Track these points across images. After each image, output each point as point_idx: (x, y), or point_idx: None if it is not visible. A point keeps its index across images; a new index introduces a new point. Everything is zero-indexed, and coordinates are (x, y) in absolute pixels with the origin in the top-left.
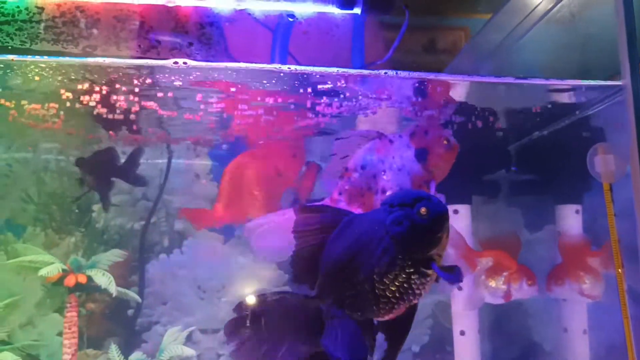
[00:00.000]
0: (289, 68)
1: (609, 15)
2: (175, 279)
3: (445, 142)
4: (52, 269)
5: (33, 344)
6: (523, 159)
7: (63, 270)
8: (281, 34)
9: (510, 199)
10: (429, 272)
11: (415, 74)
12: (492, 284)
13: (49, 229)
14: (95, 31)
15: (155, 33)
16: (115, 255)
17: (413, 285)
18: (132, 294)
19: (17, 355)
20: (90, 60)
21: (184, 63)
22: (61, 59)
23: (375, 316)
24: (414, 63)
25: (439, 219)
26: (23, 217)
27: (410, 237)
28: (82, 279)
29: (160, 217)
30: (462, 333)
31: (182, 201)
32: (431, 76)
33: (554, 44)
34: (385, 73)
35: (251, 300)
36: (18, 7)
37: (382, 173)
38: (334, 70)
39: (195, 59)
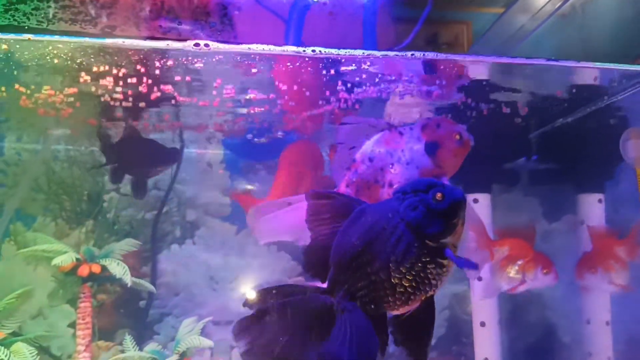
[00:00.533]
0: (312, 51)
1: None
2: (188, 269)
3: (457, 137)
4: (66, 258)
5: (44, 335)
6: (545, 148)
7: (77, 259)
8: (295, 17)
9: (530, 188)
10: (445, 262)
11: (452, 56)
12: (509, 272)
13: (59, 219)
14: (113, 11)
15: (166, 19)
16: (129, 244)
17: (430, 275)
18: (147, 284)
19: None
20: (108, 41)
21: (206, 45)
22: (78, 40)
23: (390, 308)
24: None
25: (456, 204)
26: (33, 206)
27: (426, 222)
28: (96, 268)
29: (172, 207)
30: (483, 324)
31: (193, 191)
32: (469, 58)
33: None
34: (412, 55)
35: (259, 295)
36: None
37: (390, 166)
38: (359, 52)
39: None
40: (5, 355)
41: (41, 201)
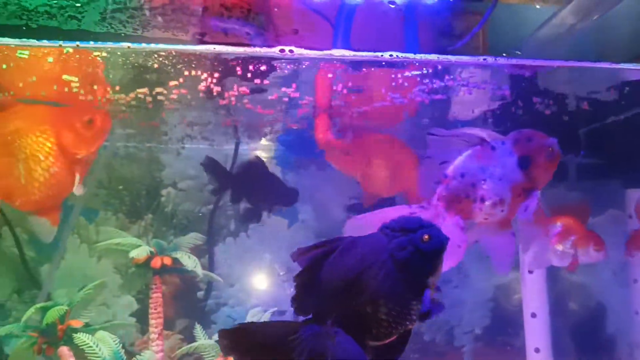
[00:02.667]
0: (390, 55)
1: None
2: (242, 261)
3: (550, 150)
4: (141, 251)
5: (113, 324)
6: (593, 143)
7: (150, 252)
8: (344, 19)
9: (577, 183)
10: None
11: (521, 60)
12: (560, 247)
13: (119, 213)
14: (204, 19)
15: (217, 19)
16: (194, 238)
17: (411, 311)
18: (214, 276)
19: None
20: (199, 47)
21: (290, 51)
22: (174, 47)
23: (374, 339)
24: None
25: (442, 246)
26: (95, 201)
27: (414, 261)
28: (168, 261)
29: (227, 201)
30: (534, 315)
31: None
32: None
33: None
34: (484, 59)
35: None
36: None
37: (482, 182)
38: (434, 57)
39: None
40: (94, 343)
41: (103, 196)
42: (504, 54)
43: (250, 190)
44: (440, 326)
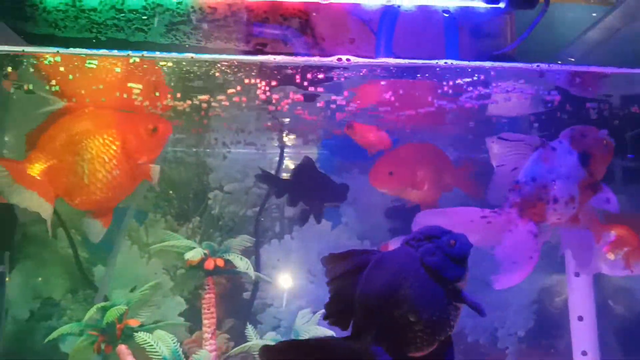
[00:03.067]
0: (445, 62)
1: None
2: (287, 263)
3: (604, 143)
4: (195, 254)
5: (167, 324)
6: None
7: (204, 254)
8: (386, 27)
9: (622, 186)
10: (459, 304)
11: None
12: (611, 257)
13: (168, 216)
14: (264, 29)
15: (258, 25)
16: (244, 240)
17: (450, 316)
18: (265, 277)
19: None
20: (260, 58)
21: (347, 60)
22: (235, 57)
23: (417, 350)
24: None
25: (467, 249)
26: (145, 204)
27: (445, 266)
28: (220, 262)
29: (272, 204)
30: (580, 318)
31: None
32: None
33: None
34: (538, 66)
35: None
36: (192, 7)
37: (552, 183)
38: (488, 63)
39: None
40: (154, 342)
41: (152, 199)
42: (559, 62)
43: (306, 191)
44: (484, 328)
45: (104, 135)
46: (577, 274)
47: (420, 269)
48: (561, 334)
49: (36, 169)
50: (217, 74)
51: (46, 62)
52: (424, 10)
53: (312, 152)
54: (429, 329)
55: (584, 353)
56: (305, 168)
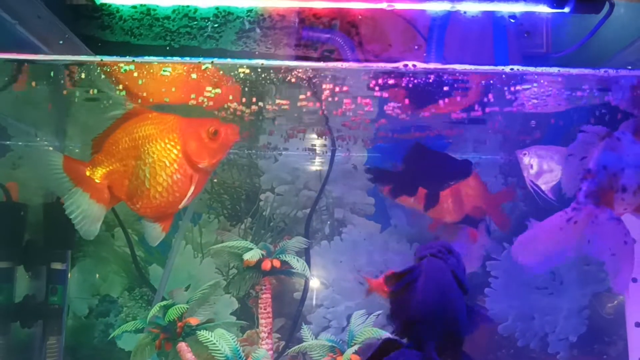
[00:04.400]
0: (511, 69)
1: None
2: (336, 264)
3: None
4: (254, 254)
5: (225, 322)
6: None
7: (261, 255)
8: (436, 34)
9: None
10: None
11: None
12: None
13: (221, 217)
14: (330, 36)
15: (309, 29)
16: (299, 242)
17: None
18: (320, 279)
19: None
20: (329, 64)
21: (413, 65)
22: (302, 64)
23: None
24: None
25: None
26: (199, 205)
27: (464, 277)
28: (277, 263)
29: (322, 206)
30: (638, 325)
31: (340, 191)
32: None
33: None
34: (606, 72)
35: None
36: (262, 15)
37: (622, 171)
38: (554, 69)
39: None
40: (216, 339)
41: (206, 200)
42: (629, 67)
43: (424, 175)
44: (534, 333)
45: (165, 140)
46: (634, 280)
47: (454, 281)
48: (615, 341)
49: (98, 173)
50: (274, 79)
51: (122, 70)
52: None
53: (362, 155)
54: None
55: None
56: (415, 154)
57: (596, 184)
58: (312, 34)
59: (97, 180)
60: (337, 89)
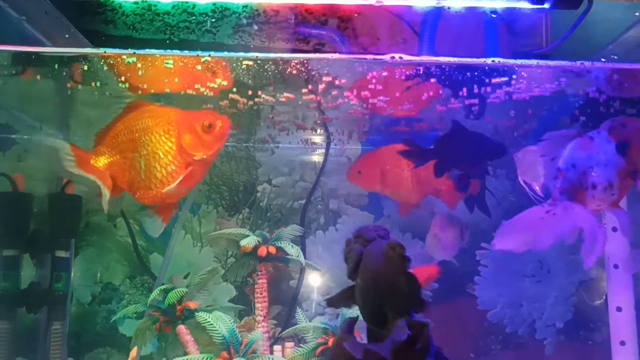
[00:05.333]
0: (492, 61)
1: None
2: (331, 253)
3: None
4: (250, 241)
5: (222, 307)
6: None
7: (257, 242)
8: (428, 28)
9: None
10: None
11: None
12: None
13: (219, 207)
14: (322, 32)
15: (304, 25)
16: (294, 230)
17: None
18: (315, 265)
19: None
20: (320, 55)
21: (400, 57)
22: (294, 55)
23: None
24: None
25: None
26: (198, 196)
27: None
28: (272, 250)
29: (317, 196)
30: (619, 309)
31: (335, 182)
32: None
33: None
34: (582, 63)
35: None
36: (257, 10)
37: (591, 169)
38: (533, 62)
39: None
40: (213, 320)
41: (205, 191)
42: (602, 59)
43: (459, 156)
44: (522, 319)
45: (160, 132)
46: (616, 266)
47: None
48: (599, 327)
49: (100, 162)
50: (269, 72)
51: (126, 62)
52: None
53: (357, 148)
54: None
55: (622, 343)
56: (452, 133)
57: (567, 182)
58: (305, 30)
59: (99, 167)
60: (331, 81)
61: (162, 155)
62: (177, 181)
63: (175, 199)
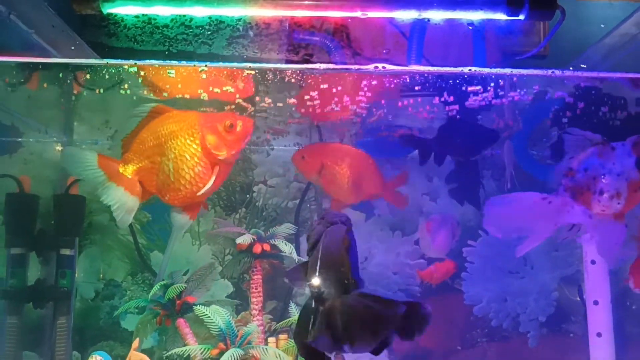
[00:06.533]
0: (470, 69)
1: None
2: None
3: None
4: (246, 238)
5: (219, 302)
6: None
7: (252, 240)
8: (416, 37)
9: None
10: None
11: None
12: None
13: (217, 207)
14: (309, 38)
15: (299, 32)
16: (288, 228)
17: None
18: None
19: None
20: (307, 66)
21: (383, 67)
22: (284, 66)
23: None
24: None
25: None
26: None
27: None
28: (267, 247)
29: (310, 196)
30: (596, 302)
31: None
32: None
33: None
34: (553, 72)
35: None
36: (249, 23)
37: (602, 176)
38: (507, 70)
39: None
40: (210, 313)
41: None
42: (570, 67)
43: (455, 145)
44: (507, 313)
45: (185, 135)
46: (593, 262)
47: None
48: (579, 320)
49: (129, 170)
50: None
51: (129, 70)
52: (451, 21)
53: None
54: None
55: (599, 334)
56: (448, 123)
57: (574, 182)
58: (298, 37)
59: (129, 176)
60: (324, 88)
61: (188, 158)
62: (210, 182)
63: (203, 198)
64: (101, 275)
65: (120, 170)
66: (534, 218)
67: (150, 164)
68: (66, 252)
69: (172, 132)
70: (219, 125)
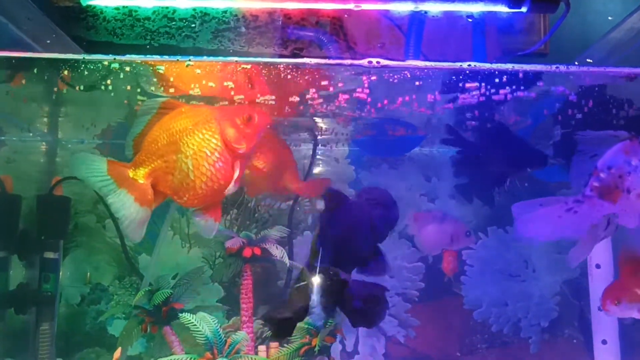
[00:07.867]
0: (469, 65)
1: None
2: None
3: None
4: (235, 241)
5: (208, 308)
6: None
7: (242, 243)
8: (414, 31)
9: None
10: None
11: None
12: None
13: None
14: (300, 35)
15: (293, 27)
16: (280, 230)
17: None
18: (300, 265)
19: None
20: (298, 60)
21: (377, 62)
22: (273, 60)
23: None
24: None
25: None
26: None
27: None
28: (257, 251)
29: (304, 197)
30: (600, 308)
31: None
32: None
33: None
34: (557, 67)
35: None
36: (236, 15)
37: (628, 174)
38: (509, 66)
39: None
40: (197, 321)
41: None
42: (575, 62)
43: (496, 156)
44: (508, 318)
45: (202, 130)
46: (597, 266)
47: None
48: (583, 326)
49: (140, 173)
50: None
51: (111, 65)
52: (450, 14)
53: (344, 149)
54: None
55: (604, 342)
56: (495, 130)
57: (600, 181)
58: (288, 33)
59: (140, 181)
60: (320, 84)
61: (209, 154)
62: (235, 177)
63: (222, 196)
64: (87, 279)
65: (131, 174)
66: (564, 230)
67: (164, 163)
68: (50, 255)
69: (187, 128)
70: (237, 118)
